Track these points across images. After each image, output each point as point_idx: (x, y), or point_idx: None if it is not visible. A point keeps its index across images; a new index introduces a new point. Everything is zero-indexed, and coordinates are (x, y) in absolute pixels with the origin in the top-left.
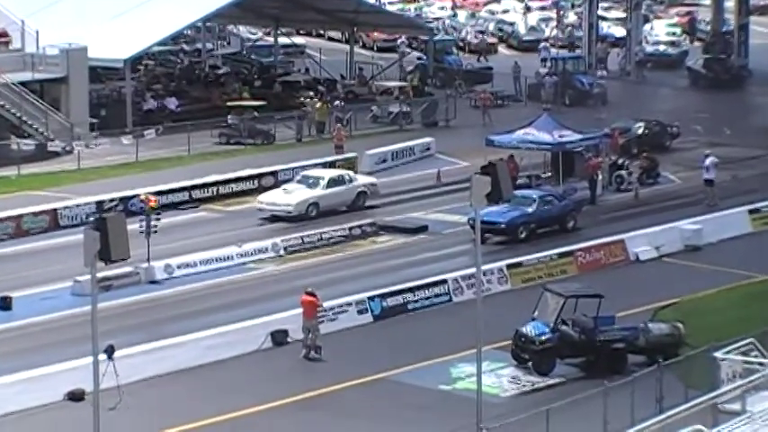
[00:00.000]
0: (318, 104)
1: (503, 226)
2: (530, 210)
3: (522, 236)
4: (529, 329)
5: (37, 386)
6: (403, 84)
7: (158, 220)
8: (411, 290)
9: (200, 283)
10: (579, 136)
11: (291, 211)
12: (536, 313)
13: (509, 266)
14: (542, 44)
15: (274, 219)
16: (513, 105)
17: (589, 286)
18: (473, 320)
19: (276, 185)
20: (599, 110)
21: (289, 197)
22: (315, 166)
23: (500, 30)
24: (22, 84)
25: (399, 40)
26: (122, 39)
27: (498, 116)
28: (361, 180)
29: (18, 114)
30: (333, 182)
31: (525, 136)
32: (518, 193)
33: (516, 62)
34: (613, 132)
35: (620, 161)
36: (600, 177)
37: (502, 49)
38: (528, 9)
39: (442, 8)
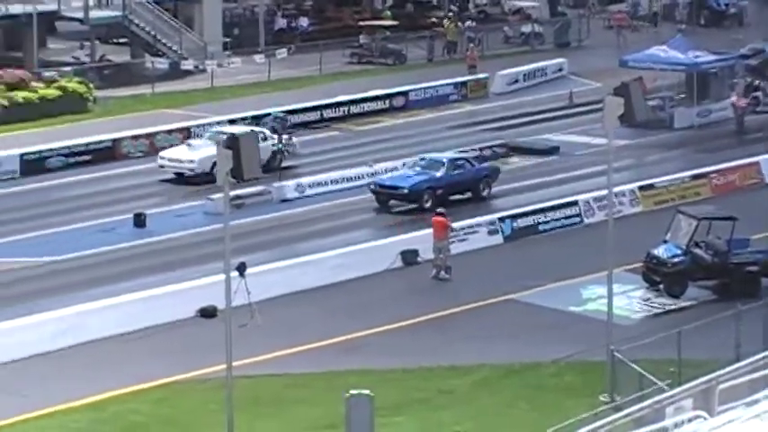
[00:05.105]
0: (450, 24)
1: (405, 191)
2: (438, 174)
3: (428, 204)
4: (661, 251)
5: (170, 302)
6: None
7: (290, 139)
8: (542, 211)
9: (331, 202)
10: (714, 57)
11: (195, 169)
12: (668, 235)
13: (641, 188)
14: None
15: (179, 177)
16: (647, 26)
17: (723, 209)
18: (604, 242)
19: (406, 106)
20: (735, 30)
21: (192, 153)
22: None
23: None
24: (157, 2)
25: None
26: None
27: (632, 37)
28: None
29: (152, 33)
30: None
31: (659, 56)
32: (428, 156)
33: None
34: None
35: (756, 82)
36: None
37: None
38: None
39: None
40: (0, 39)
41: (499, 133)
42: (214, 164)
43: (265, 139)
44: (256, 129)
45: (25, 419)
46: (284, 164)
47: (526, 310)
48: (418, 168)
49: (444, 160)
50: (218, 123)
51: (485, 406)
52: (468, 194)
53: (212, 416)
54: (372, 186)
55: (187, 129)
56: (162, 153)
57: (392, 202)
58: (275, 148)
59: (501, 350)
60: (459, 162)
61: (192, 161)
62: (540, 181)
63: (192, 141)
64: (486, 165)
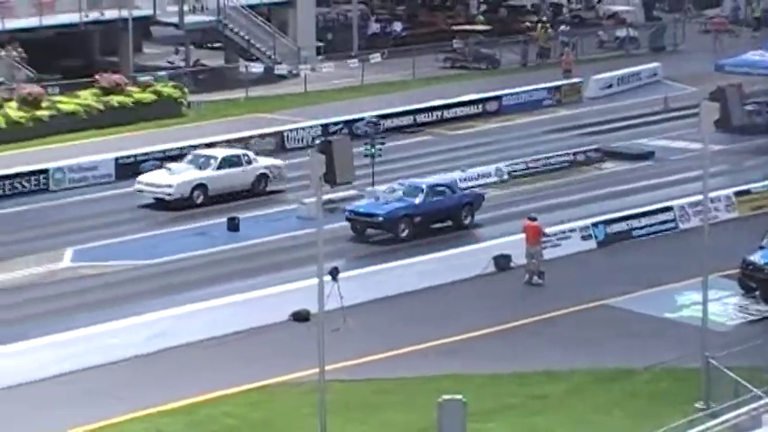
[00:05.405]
0: (540, 30)
1: (380, 219)
2: (416, 201)
3: (404, 234)
4: (757, 258)
5: (263, 306)
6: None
7: (383, 143)
8: (636, 216)
9: None
10: None
11: (172, 194)
12: (765, 241)
13: (737, 194)
14: None
15: (158, 202)
16: (744, 30)
17: None
18: (699, 248)
19: (500, 111)
20: None
21: (170, 178)
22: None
23: None
24: (251, 7)
25: None
26: None
27: (729, 41)
28: (263, 162)
29: (246, 38)
30: (226, 162)
31: (755, 61)
32: (407, 182)
33: None
34: None
35: None
36: None
37: None
38: None
39: None
40: (96, 44)
41: (593, 138)
42: (193, 188)
43: (249, 162)
44: (240, 151)
45: (119, 422)
46: (273, 188)
47: (620, 316)
48: (397, 195)
49: (423, 186)
50: (198, 147)
51: (578, 412)
52: (450, 223)
53: (305, 420)
54: (347, 214)
55: (280, 133)
56: (139, 177)
57: (369, 230)
58: (260, 172)
59: (594, 356)
60: (440, 189)
61: (169, 186)
62: (635, 186)
63: (171, 165)
64: (468, 192)
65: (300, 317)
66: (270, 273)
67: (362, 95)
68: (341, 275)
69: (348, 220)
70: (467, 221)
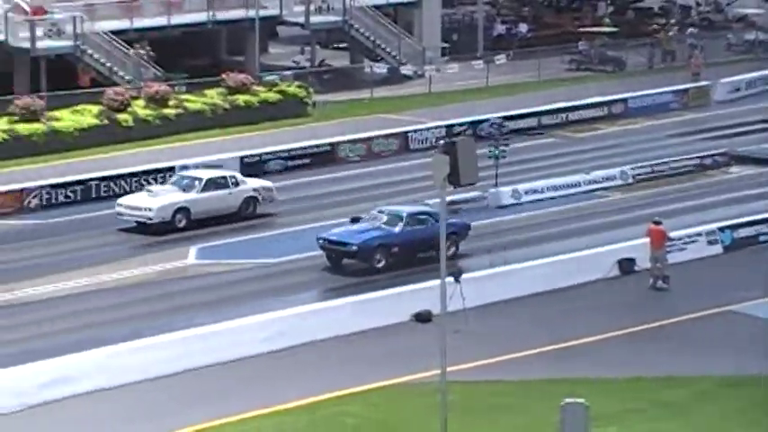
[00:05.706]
0: (663, 34)
1: (354, 248)
2: (395, 230)
3: (380, 264)
4: None
5: (385, 306)
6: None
7: (507, 145)
8: (764, 221)
9: (547, 210)
10: None
11: (152, 218)
12: None
13: None
14: None
15: (141, 226)
16: None
17: None
18: None
19: (625, 113)
20: None
21: (151, 201)
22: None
23: None
24: (376, 7)
25: None
26: None
27: None
28: (252, 184)
29: (372, 38)
30: (212, 184)
31: None
32: (386, 209)
33: None
34: None
35: None
36: None
37: None
38: None
39: None
40: (223, 43)
41: (721, 142)
42: (175, 212)
43: (236, 184)
44: (227, 173)
45: (242, 419)
46: (263, 211)
47: (746, 322)
48: (377, 222)
49: (403, 214)
50: (187, 168)
51: (703, 419)
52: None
53: (425, 421)
54: (320, 242)
55: (404, 133)
56: (120, 200)
57: (345, 260)
58: (248, 195)
59: (719, 362)
60: (421, 217)
61: (149, 209)
62: (763, 191)
63: (152, 188)
64: (453, 221)
65: (422, 318)
66: (391, 273)
67: (487, 97)
68: (464, 276)
69: (322, 248)
70: (450, 252)
